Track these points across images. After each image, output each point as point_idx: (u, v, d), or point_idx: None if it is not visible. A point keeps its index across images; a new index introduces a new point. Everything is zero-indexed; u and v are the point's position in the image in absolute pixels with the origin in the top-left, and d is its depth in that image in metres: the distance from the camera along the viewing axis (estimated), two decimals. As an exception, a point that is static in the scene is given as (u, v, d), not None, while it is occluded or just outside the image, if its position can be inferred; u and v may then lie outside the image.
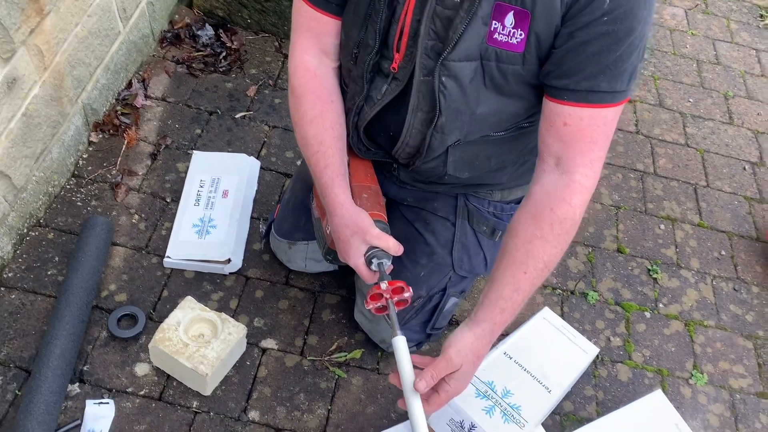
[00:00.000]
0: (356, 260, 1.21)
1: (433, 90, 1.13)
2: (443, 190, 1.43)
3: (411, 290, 1.18)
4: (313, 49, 1.24)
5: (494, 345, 1.50)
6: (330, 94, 1.26)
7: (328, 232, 1.30)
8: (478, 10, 1.03)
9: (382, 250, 1.19)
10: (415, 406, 1.06)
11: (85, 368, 1.42)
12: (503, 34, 1.05)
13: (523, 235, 1.10)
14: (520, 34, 1.04)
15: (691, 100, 2.32)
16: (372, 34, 1.14)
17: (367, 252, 1.20)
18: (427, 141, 1.21)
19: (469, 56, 1.08)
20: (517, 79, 1.10)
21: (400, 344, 1.09)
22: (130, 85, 1.95)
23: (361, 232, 1.19)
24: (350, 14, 1.17)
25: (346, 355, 1.51)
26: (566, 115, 1.06)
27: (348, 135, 1.30)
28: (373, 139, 1.32)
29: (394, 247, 1.20)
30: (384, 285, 1.16)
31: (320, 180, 1.24)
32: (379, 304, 1.18)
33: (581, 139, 1.07)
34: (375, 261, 1.19)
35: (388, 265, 1.20)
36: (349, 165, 1.35)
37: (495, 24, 1.04)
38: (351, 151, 1.36)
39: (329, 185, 1.23)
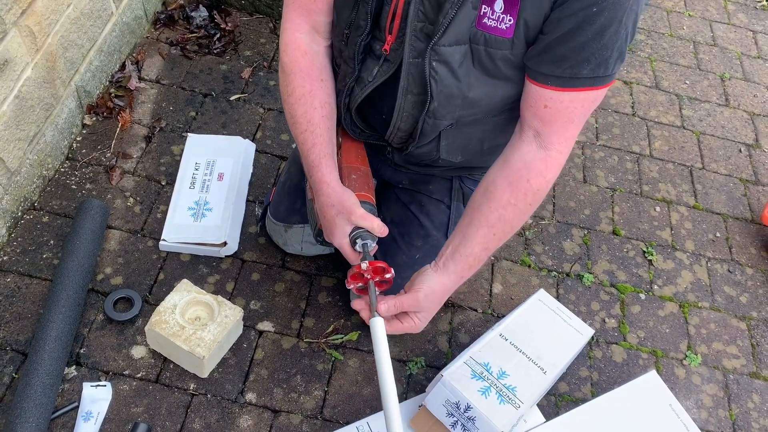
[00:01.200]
0: (340, 240, 1.21)
1: (423, 73, 1.12)
2: (438, 173, 1.43)
3: (392, 271, 1.17)
4: (305, 27, 1.23)
5: (490, 326, 1.51)
6: (320, 73, 1.25)
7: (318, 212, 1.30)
8: None
9: (367, 231, 1.19)
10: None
11: (81, 351, 1.42)
12: (492, 19, 1.05)
13: (498, 200, 1.15)
14: (509, 20, 1.04)
15: (687, 82, 2.32)
16: (363, 14, 1.13)
17: (352, 232, 1.20)
18: (420, 126, 1.21)
19: (459, 40, 1.08)
20: (506, 63, 1.10)
21: (378, 326, 1.11)
22: (123, 67, 1.94)
23: (346, 211, 1.19)
24: None
25: (342, 337, 1.52)
26: (547, 98, 1.09)
27: (341, 116, 1.30)
28: (366, 120, 1.31)
29: (379, 227, 1.20)
30: (365, 265, 1.15)
31: (307, 159, 1.24)
32: (360, 284, 1.18)
33: (559, 119, 1.11)
34: (359, 242, 1.19)
35: (372, 246, 1.19)
36: (341, 146, 1.34)
37: (485, 8, 1.04)
38: (344, 132, 1.35)
39: (316, 164, 1.22)
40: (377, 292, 1.17)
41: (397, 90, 1.18)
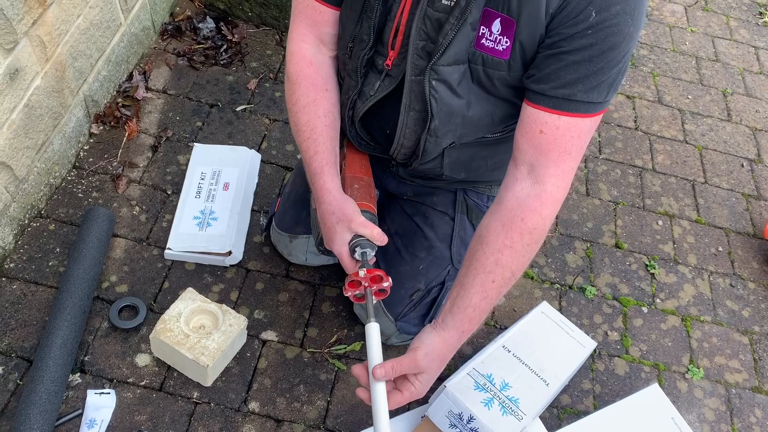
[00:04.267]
0: (340, 248, 1.20)
1: (423, 92, 1.13)
2: (442, 186, 1.44)
3: (390, 280, 1.16)
4: (311, 38, 1.24)
5: (493, 338, 1.52)
6: (325, 82, 1.26)
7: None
8: (468, 16, 1.03)
9: (367, 240, 1.18)
10: (379, 391, 1.05)
11: (86, 358, 1.42)
12: (490, 40, 1.06)
13: (493, 244, 1.10)
14: (506, 42, 1.05)
15: (689, 96, 2.33)
16: (367, 29, 1.14)
17: (351, 240, 1.19)
18: (422, 144, 1.22)
19: (458, 60, 1.09)
20: (503, 84, 1.11)
21: (373, 331, 1.08)
22: (131, 77, 1.96)
23: (346, 219, 1.19)
24: (347, 8, 1.17)
25: (345, 348, 1.52)
26: (542, 123, 1.06)
27: (346, 128, 1.31)
28: (371, 134, 1.32)
29: (378, 236, 1.19)
30: (362, 272, 1.15)
31: (310, 166, 1.24)
32: (357, 291, 1.17)
33: (555, 149, 1.07)
34: (358, 250, 1.18)
35: (371, 256, 1.19)
36: (345, 156, 1.35)
37: (483, 29, 1.05)
38: (349, 143, 1.37)
39: (318, 172, 1.23)
40: (374, 301, 1.16)
41: (400, 106, 1.19)
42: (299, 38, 1.24)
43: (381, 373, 1.05)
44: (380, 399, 1.04)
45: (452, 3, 1.05)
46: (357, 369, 1.11)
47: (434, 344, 1.10)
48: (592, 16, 0.97)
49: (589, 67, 1.01)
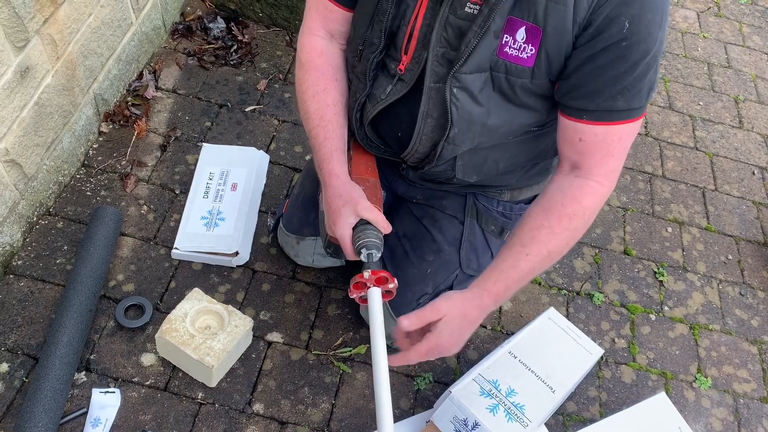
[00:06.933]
0: (343, 231, 1.19)
1: (444, 99, 1.13)
2: (452, 189, 1.44)
3: (396, 281, 1.16)
4: (322, 32, 1.26)
5: (499, 344, 1.51)
6: (335, 72, 1.27)
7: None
8: (491, 24, 1.03)
9: (372, 240, 1.16)
10: (380, 346, 1.06)
11: (91, 357, 1.43)
12: (514, 48, 1.06)
13: (532, 222, 1.13)
14: (531, 50, 1.05)
15: (701, 103, 2.32)
16: (378, 33, 1.14)
17: (355, 235, 1.17)
18: (438, 150, 1.22)
19: (480, 68, 1.09)
20: (525, 91, 1.11)
21: (374, 296, 1.10)
22: (141, 76, 1.96)
23: (352, 202, 1.18)
24: (359, 10, 1.17)
25: (350, 350, 1.52)
26: (581, 132, 1.09)
27: (354, 130, 1.31)
28: (381, 136, 1.32)
29: (383, 222, 1.19)
30: (367, 273, 1.13)
31: (318, 153, 1.24)
32: (363, 293, 1.16)
33: (597, 152, 1.10)
34: (364, 251, 1.16)
35: (377, 257, 1.17)
36: (351, 158, 1.35)
37: (506, 38, 1.05)
38: (356, 144, 1.36)
39: (327, 157, 1.23)
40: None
41: (413, 110, 1.19)
42: (310, 31, 1.26)
43: (406, 323, 1.07)
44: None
45: (475, 11, 1.04)
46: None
47: (455, 296, 1.12)
48: (626, 27, 0.98)
49: (626, 78, 1.02)
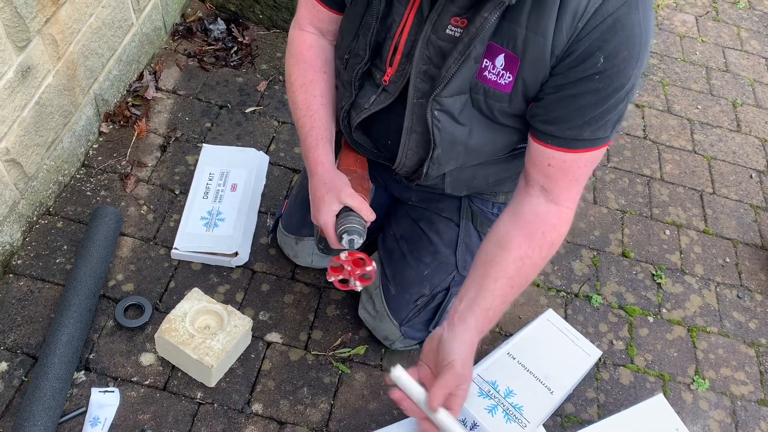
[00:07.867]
0: (326, 218, 1.19)
1: (425, 118, 1.14)
2: (447, 193, 1.45)
3: (373, 264, 1.15)
4: (311, 28, 1.28)
5: (498, 345, 1.51)
6: (323, 65, 1.28)
7: None
8: (472, 51, 1.04)
9: (354, 226, 1.16)
10: (445, 416, 1.04)
11: (91, 356, 1.43)
12: (493, 73, 1.07)
13: (516, 252, 1.11)
14: (509, 77, 1.06)
15: (699, 106, 2.33)
16: (363, 45, 1.16)
17: (339, 220, 1.17)
18: (425, 170, 1.23)
19: (460, 91, 1.10)
20: (504, 114, 1.13)
21: (401, 372, 1.08)
22: (141, 77, 1.96)
23: (336, 189, 1.19)
24: (347, 19, 1.18)
25: (349, 351, 1.52)
26: (550, 157, 1.10)
27: (345, 135, 1.32)
28: (373, 141, 1.33)
29: (366, 210, 1.19)
30: (344, 255, 1.12)
31: (305, 142, 1.26)
32: (341, 276, 1.16)
33: (564, 177, 1.11)
34: (345, 237, 1.15)
35: (358, 243, 1.16)
36: (342, 153, 1.35)
37: (486, 62, 1.06)
38: (347, 143, 1.37)
39: (313, 146, 1.24)
40: (359, 287, 1.15)
41: (398, 120, 1.20)
42: (300, 26, 1.28)
43: (437, 402, 1.05)
44: (450, 421, 1.05)
45: (457, 33, 1.05)
46: (396, 394, 1.10)
47: (464, 351, 1.10)
48: (600, 62, 0.98)
49: (595, 110, 1.03)
